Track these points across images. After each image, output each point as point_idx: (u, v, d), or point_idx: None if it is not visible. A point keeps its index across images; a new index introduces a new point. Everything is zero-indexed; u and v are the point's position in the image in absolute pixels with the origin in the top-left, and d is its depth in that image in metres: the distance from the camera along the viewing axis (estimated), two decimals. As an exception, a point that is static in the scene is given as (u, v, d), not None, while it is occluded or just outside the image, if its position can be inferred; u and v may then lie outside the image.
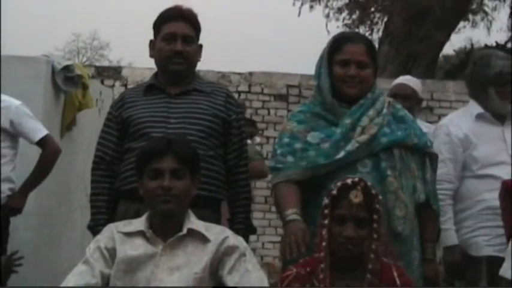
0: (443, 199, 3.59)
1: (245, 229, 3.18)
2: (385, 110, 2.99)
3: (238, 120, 3.24)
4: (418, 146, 3.01)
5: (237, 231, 2.87)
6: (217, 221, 2.82)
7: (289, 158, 2.93)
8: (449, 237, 3.67)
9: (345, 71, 2.94)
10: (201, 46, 3.24)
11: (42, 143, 4.43)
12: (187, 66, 3.16)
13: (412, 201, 2.93)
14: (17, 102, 4.41)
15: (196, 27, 3.19)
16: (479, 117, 3.76)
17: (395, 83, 4.45)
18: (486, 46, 13.85)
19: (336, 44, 2.99)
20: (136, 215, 2.83)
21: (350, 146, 2.88)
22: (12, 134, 4.39)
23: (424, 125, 4.39)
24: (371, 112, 2.95)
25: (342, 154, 2.87)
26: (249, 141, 4.75)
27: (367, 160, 2.90)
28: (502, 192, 3.32)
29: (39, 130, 4.44)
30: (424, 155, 3.05)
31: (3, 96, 4.37)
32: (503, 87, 3.73)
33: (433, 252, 3.02)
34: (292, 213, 2.75)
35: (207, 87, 3.22)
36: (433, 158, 3.10)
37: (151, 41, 3.21)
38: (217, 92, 3.22)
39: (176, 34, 3.11)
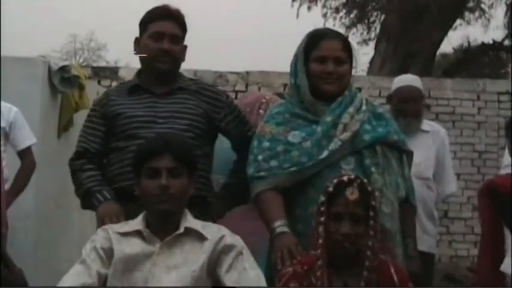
0: None
1: (237, 196, 3.23)
2: (364, 107, 2.96)
3: (231, 110, 3.24)
4: (397, 143, 3.00)
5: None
6: (204, 219, 2.81)
7: (273, 163, 2.88)
8: None
9: (322, 67, 2.91)
10: (185, 47, 3.23)
11: (23, 153, 4.55)
12: (173, 66, 3.15)
13: (396, 197, 2.92)
14: (15, 108, 4.53)
15: (183, 27, 3.18)
16: None
17: (401, 85, 4.33)
18: (483, 44, 13.89)
19: (312, 41, 2.95)
20: (127, 215, 2.84)
21: (333, 145, 2.86)
22: (6, 136, 4.48)
23: (427, 124, 4.40)
24: (351, 109, 2.92)
25: (325, 154, 2.85)
26: None
27: (350, 157, 2.88)
28: (483, 192, 3.33)
29: (27, 139, 4.57)
30: (402, 152, 3.04)
31: (3, 102, 4.44)
32: None
33: (415, 248, 3.03)
34: (280, 225, 2.75)
35: (192, 85, 3.21)
36: (409, 156, 3.10)
37: (136, 38, 3.20)
38: (203, 90, 3.20)
39: (164, 33, 3.09)
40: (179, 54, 3.17)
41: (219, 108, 3.19)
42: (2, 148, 4.44)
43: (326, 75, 2.91)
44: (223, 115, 3.19)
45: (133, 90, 3.16)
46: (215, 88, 3.40)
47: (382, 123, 2.99)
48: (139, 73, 3.24)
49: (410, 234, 3.02)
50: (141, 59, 3.18)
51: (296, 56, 3.00)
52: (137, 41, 3.20)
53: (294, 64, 3.00)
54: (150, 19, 3.14)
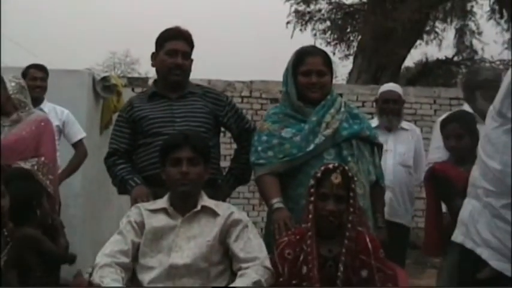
0: None
1: (239, 178, 3.23)
2: (343, 109, 2.97)
3: (231, 108, 3.21)
4: (370, 137, 3.01)
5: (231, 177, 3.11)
6: (216, 197, 2.80)
7: (270, 153, 2.89)
8: None
9: (307, 79, 2.91)
10: (192, 60, 3.19)
11: (77, 145, 4.62)
12: (184, 77, 3.14)
13: (367, 181, 2.93)
14: (66, 110, 4.63)
15: (192, 45, 3.16)
16: None
17: (384, 90, 4.37)
18: (438, 60, 13.90)
19: (299, 58, 2.96)
20: (154, 196, 2.82)
21: (318, 140, 2.87)
22: (60, 132, 4.53)
23: (406, 125, 4.40)
24: (332, 110, 2.93)
25: (312, 147, 2.86)
26: None
27: (331, 149, 2.89)
28: (427, 176, 3.34)
29: (78, 134, 4.63)
30: (373, 145, 3.04)
31: (56, 105, 4.57)
32: (487, 91, 3.76)
33: (383, 221, 3.03)
34: (277, 202, 2.77)
35: (199, 89, 3.19)
36: (379, 148, 3.10)
37: (153, 53, 3.16)
38: (207, 93, 3.19)
39: (178, 50, 3.07)
40: (189, 67, 3.16)
41: (221, 107, 3.17)
42: (58, 142, 4.45)
43: (311, 85, 2.92)
44: (225, 112, 3.18)
45: (152, 96, 3.13)
46: (217, 91, 3.40)
47: (357, 121, 2.99)
48: (155, 82, 3.22)
49: (379, 210, 3.03)
50: (158, 71, 3.16)
51: (287, 69, 3.01)
52: (154, 56, 3.16)
53: (285, 76, 3.01)
54: (165, 38, 3.11)
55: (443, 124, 3.40)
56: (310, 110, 2.93)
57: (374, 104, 4.53)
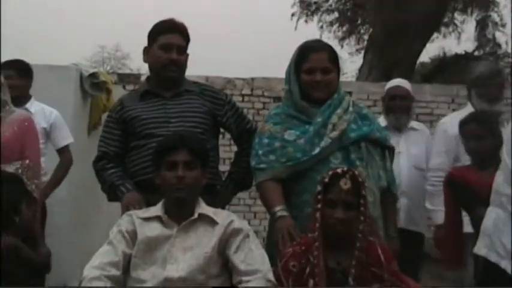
0: (437, 185, 3.78)
1: (239, 183, 3.23)
2: (351, 108, 2.96)
3: (230, 107, 3.22)
4: (380, 139, 3.00)
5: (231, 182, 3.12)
6: (214, 204, 2.81)
7: (271, 157, 2.90)
8: (439, 217, 3.73)
9: (311, 77, 2.91)
10: (188, 55, 3.20)
11: (62, 151, 4.57)
12: (180, 73, 3.14)
13: (377, 188, 2.93)
14: (56, 111, 4.57)
15: (187, 39, 3.16)
16: None
17: (391, 86, 4.37)
18: (456, 54, 13.89)
19: (302, 54, 2.95)
20: (147, 203, 2.83)
21: (324, 143, 2.86)
22: (48, 135, 4.50)
23: (416, 124, 4.42)
24: (339, 111, 2.92)
25: (317, 150, 2.85)
26: None
27: (338, 153, 2.88)
28: (445, 182, 3.35)
29: (65, 139, 4.59)
30: (384, 148, 3.03)
31: (44, 104, 4.52)
32: (481, 89, 3.84)
33: (395, 230, 3.02)
34: (280, 210, 2.76)
35: (195, 87, 3.20)
36: (391, 151, 3.09)
37: (145, 48, 3.17)
38: (205, 91, 3.19)
39: (172, 44, 3.08)
40: (184, 63, 3.16)
41: (220, 106, 3.18)
42: (44, 145, 4.46)
43: (315, 84, 2.92)
44: (224, 112, 3.19)
45: (144, 95, 3.14)
46: (215, 89, 3.38)
47: (366, 122, 2.99)
48: (148, 79, 3.22)
49: (391, 219, 3.02)
50: (151, 67, 3.16)
51: (289, 66, 3.01)
52: (146, 50, 3.17)
53: (288, 73, 3.01)
54: (159, 32, 3.11)
55: (462, 124, 3.41)
56: (315, 110, 2.93)
57: (382, 101, 4.51)
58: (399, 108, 4.21)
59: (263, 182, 2.89)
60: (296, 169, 2.86)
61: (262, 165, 2.90)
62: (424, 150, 4.25)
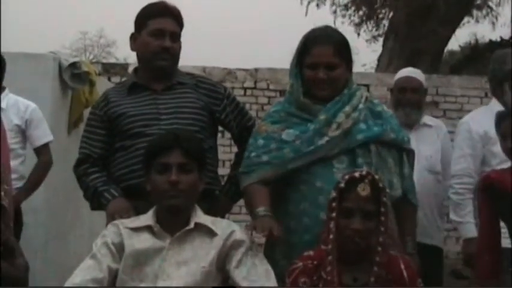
0: (463, 193, 3.80)
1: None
2: (361, 105, 2.94)
3: (230, 102, 3.23)
4: (396, 141, 2.97)
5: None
6: (212, 213, 2.81)
7: (264, 158, 2.89)
8: (469, 230, 3.74)
9: (314, 73, 2.90)
10: (181, 43, 3.21)
11: (40, 150, 4.57)
12: (172, 63, 3.15)
13: (388, 196, 2.83)
14: (33, 104, 4.56)
15: (181, 24, 3.17)
16: None
17: (400, 76, 4.34)
18: (491, 41, 13.86)
19: (305, 46, 2.94)
20: (136, 211, 2.83)
21: (320, 141, 2.85)
22: (23, 133, 4.50)
23: (430, 120, 4.40)
24: (347, 108, 2.91)
25: (310, 148, 2.85)
26: None
27: (344, 156, 2.87)
28: (480, 186, 3.33)
29: (43, 136, 4.60)
30: (402, 151, 3.01)
31: (21, 98, 4.52)
32: None
33: (414, 246, 3.00)
34: (263, 210, 2.74)
35: (190, 79, 3.20)
36: (410, 154, 3.06)
37: (132, 34, 3.17)
38: (201, 84, 3.20)
39: (165, 30, 3.08)
40: (178, 51, 3.16)
41: (218, 100, 3.18)
42: (20, 145, 4.49)
43: (318, 81, 2.91)
44: (223, 107, 3.19)
45: (132, 88, 3.14)
46: (212, 81, 3.38)
47: (378, 122, 2.96)
48: (135, 71, 3.23)
49: (410, 233, 3.00)
50: (140, 56, 3.16)
51: (293, 58, 3.00)
52: (133, 37, 3.17)
53: (292, 65, 3.01)
54: (149, 16, 3.12)
55: (499, 121, 3.40)
56: (320, 107, 2.92)
57: (390, 93, 4.49)
58: (409, 102, 4.17)
59: (248, 186, 2.90)
60: (283, 168, 2.86)
61: (248, 169, 2.91)
62: (439, 150, 4.23)
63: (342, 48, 2.95)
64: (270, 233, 2.58)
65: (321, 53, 2.89)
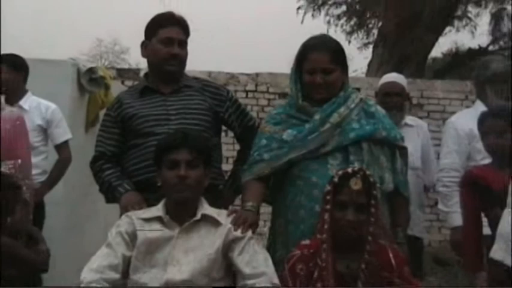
0: (450, 186, 3.81)
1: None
2: (353, 105, 2.93)
3: (232, 103, 3.22)
4: (388, 139, 2.96)
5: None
6: (217, 205, 2.81)
7: (265, 156, 2.91)
8: (456, 219, 3.73)
9: (312, 78, 2.90)
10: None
11: (60, 147, 4.58)
12: (180, 68, 3.15)
13: (379, 191, 2.82)
14: (53, 105, 4.56)
15: (187, 33, 3.17)
16: None
17: (384, 82, 4.36)
18: (470, 49, 13.86)
19: (303, 53, 2.94)
20: (147, 204, 2.83)
21: (311, 136, 2.86)
22: (45, 132, 4.51)
23: (410, 120, 4.40)
24: (341, 109, 2.91)
25: (301, 143, 2.86)
26: None
27: (338, 153, 2.86)
28: (463, 181, 3.33)
29: (63, 135, 4.60)
30: (394, 147, 2.99)
31: (42, 99, 4.52)
32: (498, 86, 3.85)
33: (404, 235, 2.98)
34: (249, 205, 2.77)
35: (196, 83, 3.20)
36: (403, 151, 3.05)
37: (143, 42, 3.17)
38: (206, 87, 3.20)
39: (174, 38, 3.09)
40: (185, 57, 3.17)
41: (221, 102, 3.18)
42: (42, 143, 4.49)
43: (315, 85, 2.90)
44: (226, 108, 3.18)
45: (143, 91, 3.14)
46: (217, 84, 3.38)
47: (371, 121, 2.95)
48: (146, 76, 3.22)
49: (401, 224, 2.98)
50: (150, 62, 3.16)
51: (293, 64, 3.00)
52: (144, 45, 3.17)
53: (291, 70, 3.01)
54: (159, 25, 3.12)
55: (481, 120, 3.41)
56: (317, 109, 2.92)
57: (375, 96, 4.49)
58: (393, 105, 4.17)
59: (246, 182, 2.92)
60: (277, 162, 2.88)
61: (249, 166, 2.93)
62: (420, 147, 4.24)
63: (337, 55, 2.95)
64: (246, 227, 2.64)
65: (318, 59, 2.89)
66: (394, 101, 4.20)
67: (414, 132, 4.27)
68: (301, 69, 2.94)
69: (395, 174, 2.97)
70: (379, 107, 3.11)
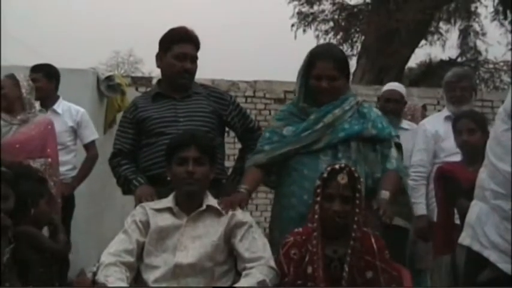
0: (418, 180, 3.86)
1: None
2: (347, 107, 2.89)
3: (235, 107, 3.20)
4: (378, 137, 2.89)
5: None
6: (219, 197, 2.79)
7: (266, 147, 2.92)
8: (421, 209, 3.79)
9: (318, 83, 2.86)
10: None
11: (88, 146, 4.57)
12: (191, 80, 3.13)
13: (364, 185, 2.70)
14: (82, 109, 4.57)
15: (198, 47, 3.15)
16: (446, 118, 3.92)
17: (387, 89, 4.39)
18: (441, 60, 13.91)
19: (311, 60, 2.90)
20: (158, 196, 2.81)
21: (304, 133, 2.85)
22: (75, 132, 4.52)
23: (407, 124, 4.40)
24: (336, 111, 2.87)
25: (294, 139, 2.86)
26: None
27: (329, 150, 2.84)
28: (435, 176, 3.33)
29: (91, 135, 4.59)
30: (388, 143, 2.92)
31: (72, 104, 4.54)
32: (448, 93, 3.99)
33: (385, 193, 2.74)
34: (242, 188, 2.81)
35: (203, 90, 3.18)
36: (397, 145, 2.97)
37: (158, 54, 3.13)
38: (212, 93, 3.18)
39: (187, 54, 3.06)
40: (195, 70, 3.15)
41: (225, 106, 3.16)
42: (72, 142, 4.49)
43: (321, 90, 2.86)
44: (229, 111, 3.17)
45: (156, 97, 3.12)
46: (221, 90, 3.39)
47: (361, 121, 2.90)
48: (159, 83, 3.21)
49: (385, 187, 2.77)
50: (164, 73, 3.14)
51: (300, 69, 2.95)
52: (159, 57, 3.13)
53: (298, 74, 2.97)
54: (173, 40, 3.07)
55: (456, 120, 3.43)
56: (314, 110, 2.90)
57: (377, 101, 4.52)
58: (392, 110, 4.20)
59: (247, 167, 2.94)
60: (273, 153, 2.88)
61: (253, 155, 2.95)
62: (410, 149, 4.21)
63: (341, 63, 2.91)
64: (234, 207, 2.68)
65: (324, 67, 2.85)
66: (393, 107, 4.23)
67: (408, 135, 4.21)
68: (308, 75, 2.90)
69: (392, 160, 2.88)
70: (374, 109, 3.06)
